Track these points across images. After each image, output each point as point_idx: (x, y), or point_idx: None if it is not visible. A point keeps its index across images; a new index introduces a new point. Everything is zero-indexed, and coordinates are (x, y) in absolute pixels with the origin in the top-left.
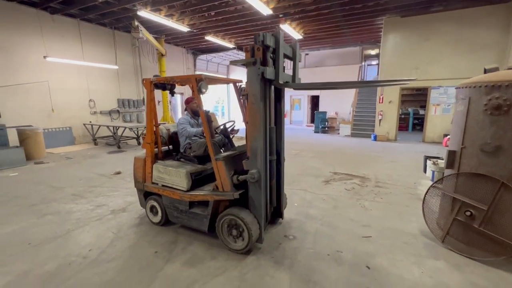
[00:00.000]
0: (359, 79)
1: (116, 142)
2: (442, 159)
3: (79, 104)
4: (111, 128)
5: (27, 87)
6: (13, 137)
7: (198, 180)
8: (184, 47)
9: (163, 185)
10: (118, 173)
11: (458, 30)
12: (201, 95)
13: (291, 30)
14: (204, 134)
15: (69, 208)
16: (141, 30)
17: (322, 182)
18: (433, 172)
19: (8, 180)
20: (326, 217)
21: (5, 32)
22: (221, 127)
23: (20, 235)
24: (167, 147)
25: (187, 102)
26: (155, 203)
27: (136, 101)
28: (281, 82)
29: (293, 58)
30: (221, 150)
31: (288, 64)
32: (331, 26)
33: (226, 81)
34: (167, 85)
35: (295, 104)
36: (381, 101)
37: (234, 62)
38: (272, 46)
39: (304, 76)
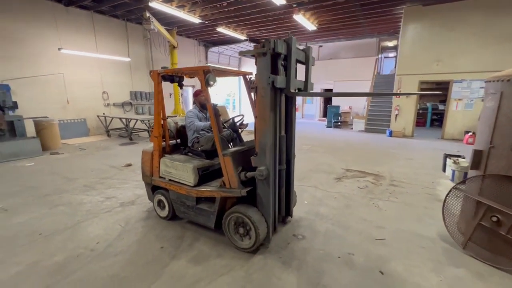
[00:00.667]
0: (375, 73)
1: (128, 134)
2: (464, 158)
3: (93, 96)
4: (124, 120)
5: (43, 79)
6: (30, 128)
7: (206, 175)
8: (196, 39)
9: (170, 180)
10: (129, 165)
11: (486, 20)
12: (209, 88)
13: (304, 21)
14: (213, 128)
15: (80, 199)
16: (152, 22)
17: (334, 179)
18: (453, 171)
19: (24, 170)
20: (337, 216)
21: (21, 24)
22: (230, 121)
23: (32, 225)
24: (175, 140)
25: (195, 95)
26: (162, 198)
27: (148, 94)
28: (292, 90)
29: (305, 63)
30: (230, 145)
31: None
32: (347, 16)
33: (236, 73)
34: (175, 77)
35: (308, 98)
36: (398, 96)
37: (243, 53)
38: (284, 53)
39: (317, 68)
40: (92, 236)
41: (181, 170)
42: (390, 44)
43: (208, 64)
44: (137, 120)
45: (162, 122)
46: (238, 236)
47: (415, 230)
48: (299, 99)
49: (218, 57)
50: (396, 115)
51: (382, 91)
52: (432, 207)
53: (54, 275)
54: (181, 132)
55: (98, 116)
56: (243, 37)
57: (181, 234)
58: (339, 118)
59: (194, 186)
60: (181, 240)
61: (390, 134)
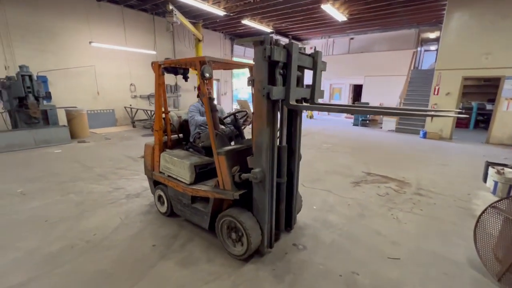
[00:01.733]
0: (412, 67)
1: (150, 126)
2: (511, 168)
3: (121, 88)
4: (149, 112)
5: (75, 71)
6: (63, 117)
7: (204, 173)
8: (222, 32)
9: (168, 176)
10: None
11: None
12: (205, 80)
13: (334, 11)
14: (208, 124)
15: (91, 188)
16: (175, 14)
17: (350, 183)
18: (496, 183)
19: (52, 156)
20: (347, 226)
21: (56, 18)
22: (231, 116)
23: (41, 211)
24: (177, 135)
25: (199, 88)
26: (162, 193)
27: (172, 86)
28: (293, 101)
29: (313, 69)
30: (231, 143)
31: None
32: (382, 5)
33: (240, 65)
34: (179, 69)
35: (335, 93)
36: (436, 93)
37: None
38: (282, 60)
39: (347, 62)
40: (92, 227)
41: (178, 167)
42: (432, 35)
43: (205, 55)
44: None
45: (163, 116)
46: (231, 241)
47: (438, 251)
48: (326, 95)
49: (244, 50)
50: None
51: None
52: (463, 225)
53: (45, 265)
54: (184, 126)
55: (125, 107)
56: (268, 30)
57: (176, 232)
58: (368, 116)
59: (190, 184)
60: (174, 239)
61: (424, 136)
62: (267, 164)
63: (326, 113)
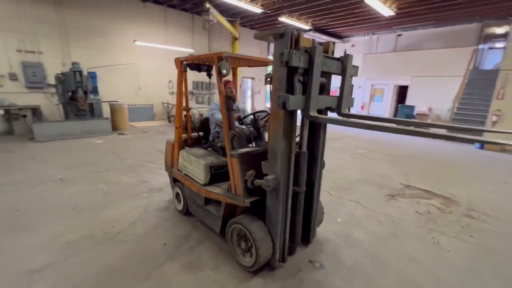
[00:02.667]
0: (471, 67)
1: None
2: None
3: (160, 84)
4: None
5: (120, 67)
6: (107, 110)
7: (221, 174)
8: (259, 30)
9: (185, 174)
10: None
11: None
12: (222, 77)
13: (379, 5)
14: (239, 123)
15: (119, 179)
16: (212, 13)
17: (385, 196)
18: None
19: (93, 146)
20: (374, 246)
21: (104, 18)
22: (251, 116)
23: (72, 198)
24: (197, 133)
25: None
26: (179, 191)
27: (208, 84)
28: (313, 112)
29: (342, 75)
30: (251, 145)
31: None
32: None
33: (262, 61)
34: (202, 66)
35: (377, 95)
36: (501, 97)
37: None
38: (303, 66)
39: (392, 61)
40: (112, 218)
41: (194, 166)
42: (499, 30)
43: (223, 51)
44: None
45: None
46: (240, 250)
47: None
48: (366, 97)
49: None
50: (495, 122)
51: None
52: None
53: (62, 253)
54: (205, 125)
55: (162, 103)
56: (307, 27)
57: (188, 233)
58: (413, 119)
59: (205, 184)
60: (185, 240)
61: (482, 147)
62: (282, 171)
63: (365, 112)
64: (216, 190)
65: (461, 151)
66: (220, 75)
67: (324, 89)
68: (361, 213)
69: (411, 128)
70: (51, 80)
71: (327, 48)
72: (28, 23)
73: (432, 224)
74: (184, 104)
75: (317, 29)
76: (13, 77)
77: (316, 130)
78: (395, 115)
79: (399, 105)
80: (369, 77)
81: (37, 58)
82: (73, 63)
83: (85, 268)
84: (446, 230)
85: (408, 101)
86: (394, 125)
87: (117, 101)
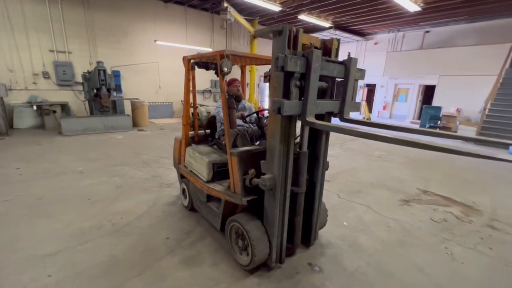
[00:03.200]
0: (508, 65)
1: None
2: None
3: (179, 83)
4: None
5: (142, 66)
6: (128, 107)
7: (225, 172)
8: None
9: (190, 170)
10: None
11: None
12: (224, 75)
13: (404, 0)
14: (243, 121)
15: (133, 174)
16: (229, 11)
17: (398, 201)
18: None
19: (114, 141)
20: (380, 253)
21: (128, 19)
22: (255, 115)
23: (89, 189)
24: (204, 131)
25: (228, 84)
26: (185, 187)
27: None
28: (310, 118)
29: (344, 78)
30: (256, 144)
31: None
32: None
33: (264, 59)
34: (210, 65)
35: (400, 95)
36: None
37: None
38: (299, 71)
39: (418, 59)
40: (121, 210)
41: (199, 163)
42: None
43: (225, 49)
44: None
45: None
46: (238, 248)
47: None
48: (389, 97)
49: None
50: None
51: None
52: None
53: (73, 240)
54: (212, 123)
55: (181, 101)
56: (327, 25)
57: (191, 228)
58: (438, 122)
59: (207, 181)
60: (187, 235)
61: None
62: (279, 171)
63: (387, 115)
64: (217, 188)
65: None
66: (221, 73)
67: (326, 93)
68: (370, 218)
69: (407, 138)
70: (79, 78)
71: (330, 45)
72: (60, 25)
73: (448, 233)
74: (191, 102)
75: (338, 26)
76: (45, 75)
77: (318, 130)
78: (419, 117)
79: (424, 106)
80: (393, 76)
81: (67, 57)
82: (97, 62)
83: (91, 255)
84: (462, 241)
85: (435, 102)
86: (388, 134)
87: (138, 99)
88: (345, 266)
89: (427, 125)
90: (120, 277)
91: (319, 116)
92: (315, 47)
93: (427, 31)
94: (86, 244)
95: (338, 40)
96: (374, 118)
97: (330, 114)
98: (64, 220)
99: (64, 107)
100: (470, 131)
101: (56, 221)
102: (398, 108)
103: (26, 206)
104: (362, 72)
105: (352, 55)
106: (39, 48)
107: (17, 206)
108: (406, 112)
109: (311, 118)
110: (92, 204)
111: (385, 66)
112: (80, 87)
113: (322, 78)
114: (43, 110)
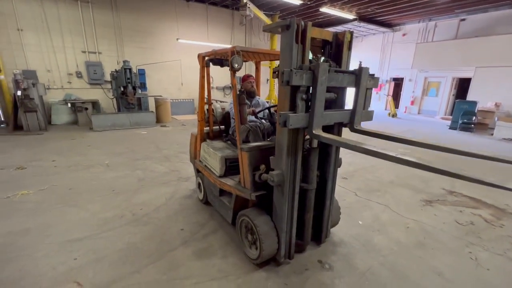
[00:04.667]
0: None
1: None
2: None
3: None
4: (218, 102)
5: (165, 64)
6: (152, 104)
7: (237, 167)
8: None
9: (205, 165)
10: None
11: None
12: (235, 71)
13: None
14: (255, 117)
15: (154, 167)
16: (248, 7)
17: (420, 201)
18: None
19: (138, 136)
20: (395, 254)
21: (152, 19)
22: (267, 111)
23: (113, 181)
24: (218, 126)
25: (243, 80)
26: (200, 181)
27: None
28: (317, 131)
29: (355, 87)
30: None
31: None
32: None
33: (275, 55)
34: (224, 61)
35: (430, 89)
36: None
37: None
38: (306, 84)
39: (451, 50)
40: (141, 202)
41: (212, 158)
42: None
43: (236, 45)
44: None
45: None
46: (247, 242)
47: None
48: (418, 91)
49: None
50: None
51: None
52: None
53: (97, 227)
54: (226, 118)
55: None
56: (351, 16)
57: (205, 221)
58: (473, 118)
59: (220, 176)
60: (201, 227)
61: None
62: (288, 167)
63: (415, 111)
64: (229, 182)
65: None
66: (232, 69)
67: (334, 103)
68: (387, 218)
69: (410, 158)
70: (108, 77)
71: (342, 38)
72: (91, 27)
73: (474, 237)
74: (206, 98)
75: (363, 18)
76: (79, 74)
77: (329, 126)
78: (451, 112)
79: (457, 100)
80: (423, 69)
81: (97, 57)
82: (124, 61)
83: (111, 243)
84: (490, 246)
85: (470, 96)
86: (392, 154)
87: (161, 96)
88: (357, 265)
89: (460, 121)
90: (137, 264)
91: (328, 126)
92: (326, 41)
93: (463, 19)
94: (108, 232)
95: (351, 33)
96: (401, 113)
97: (340, 124)
98: (91, 209)
99: (95, 104)
100: (509, 128)
101: (83, 210)
102: (427, 103)
103: (58, 195)
104: (375, 80)
105: (378, 48)
106: (72, 49)
107: (51, 195)
108: (437, 107)
109: (317, 131)
110: (115, 195)
111: (414, 58)
112: (109, 85)
113: (331, 88)
114: (76, 107)
